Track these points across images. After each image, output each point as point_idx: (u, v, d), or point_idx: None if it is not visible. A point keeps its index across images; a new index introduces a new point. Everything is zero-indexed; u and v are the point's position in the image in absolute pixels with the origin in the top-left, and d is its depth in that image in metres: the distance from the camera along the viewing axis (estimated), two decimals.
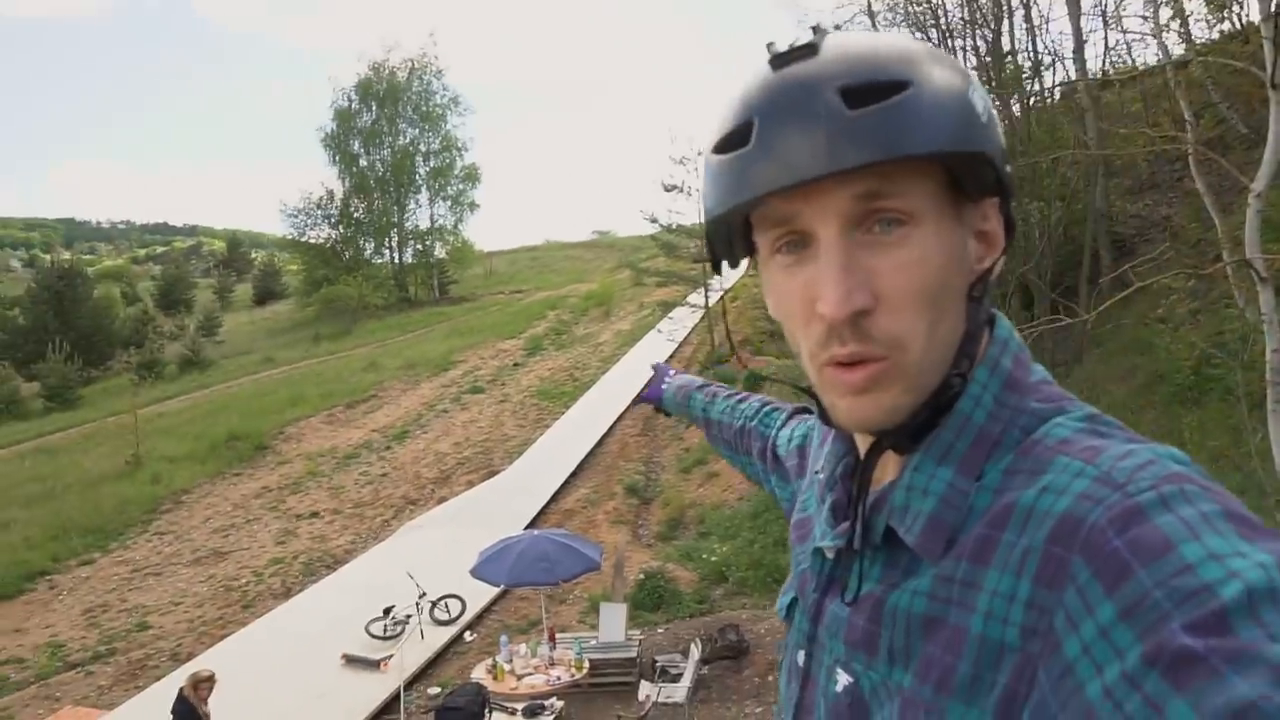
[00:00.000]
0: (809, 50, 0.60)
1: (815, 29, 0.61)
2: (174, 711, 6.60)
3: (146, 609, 12.61)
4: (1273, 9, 6.66)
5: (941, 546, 0.62)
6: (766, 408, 1.21)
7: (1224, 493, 0.52)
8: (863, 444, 0.72)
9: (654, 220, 26.44)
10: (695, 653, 8.62)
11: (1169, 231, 13.52)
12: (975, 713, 0.56)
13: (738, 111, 0.62)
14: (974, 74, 0.64)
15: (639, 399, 1.55)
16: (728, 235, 0.69)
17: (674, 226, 26.86)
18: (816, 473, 0.85)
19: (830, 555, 0.73)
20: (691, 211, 25.48)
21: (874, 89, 0.57)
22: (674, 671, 8.67)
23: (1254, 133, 14.47)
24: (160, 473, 18.82)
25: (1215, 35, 14.96)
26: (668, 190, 25.06)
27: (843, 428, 0.69)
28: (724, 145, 0.62)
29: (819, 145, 0.57)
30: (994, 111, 0.64)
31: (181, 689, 6.68)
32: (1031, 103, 15.32)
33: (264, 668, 9.88)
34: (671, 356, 26.14)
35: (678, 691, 8.00)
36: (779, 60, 0.61)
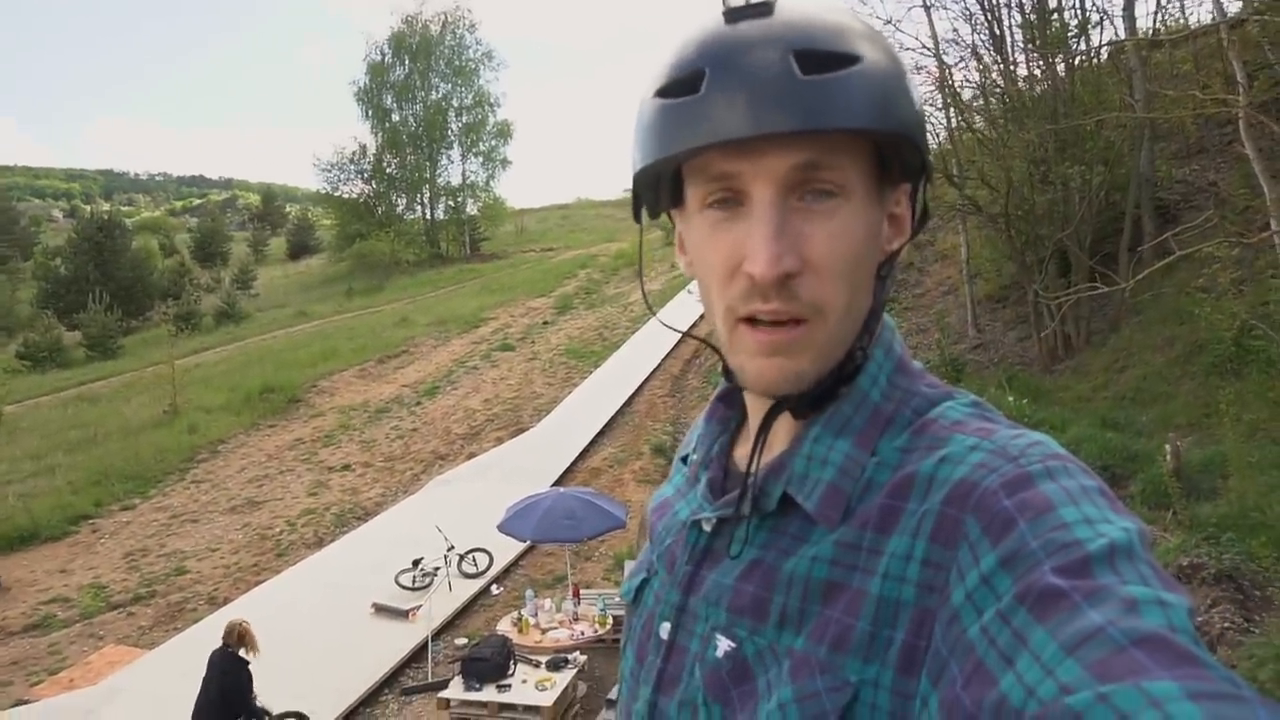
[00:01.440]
0: (764, 8, 0.60)
1: None
2: (222, 671, 6.41)
3: (184, 554, 12.96)
4: None
5: (839, 514, 0.65)
6: None
7: (1098, 476, 0.58)
8: (755, 415, 0.74)
9: None
10: None
11: (1217, 199, 13.13)
12: (874, 668, 0.58)
13: (688, 59, 0.61)
14: (907, 70, 0.65)
15: None
16: (656, 183, 0.69)
17: None
18: (683, 459, 0.88)
19: (708, 527, 0.74)
20: None
21: (828, 57, 0.58)
22: None
23: None
24: (197, 423, 19.22)
25: None
26: None
27: (749, 388, 0.70)
28: (669, 90, 0.62)
29: (769, 104, 0.57)
30: (920, 106, 0.66)
31: (231, 644, 6.51)
32: (1077, 62, 14.84)
33: (297, 614, 10.15)
34: (701, 317, 26.03)
35: None
36: (733, 14, 0.61)
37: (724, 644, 0.68)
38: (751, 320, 0.63)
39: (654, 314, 0.88)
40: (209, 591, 11.68)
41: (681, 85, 0.61)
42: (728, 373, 0.73)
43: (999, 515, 0.54)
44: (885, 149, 0.64)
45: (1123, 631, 0.44)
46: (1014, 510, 0.54)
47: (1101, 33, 15.50)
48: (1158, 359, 11.50)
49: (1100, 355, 12.83)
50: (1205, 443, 8.98)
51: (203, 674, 6.48)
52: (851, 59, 0.59)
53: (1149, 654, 0.43)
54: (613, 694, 4.88)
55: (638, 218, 0.74)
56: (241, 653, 6.52)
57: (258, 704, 6.64)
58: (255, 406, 20.50)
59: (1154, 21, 16.35)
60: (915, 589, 0.57)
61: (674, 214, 0.72)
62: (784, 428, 0.72)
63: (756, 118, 0.57)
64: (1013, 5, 15.79)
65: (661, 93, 0.62)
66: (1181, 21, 15.37)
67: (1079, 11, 15.29)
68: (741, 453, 0.77)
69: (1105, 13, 16.60)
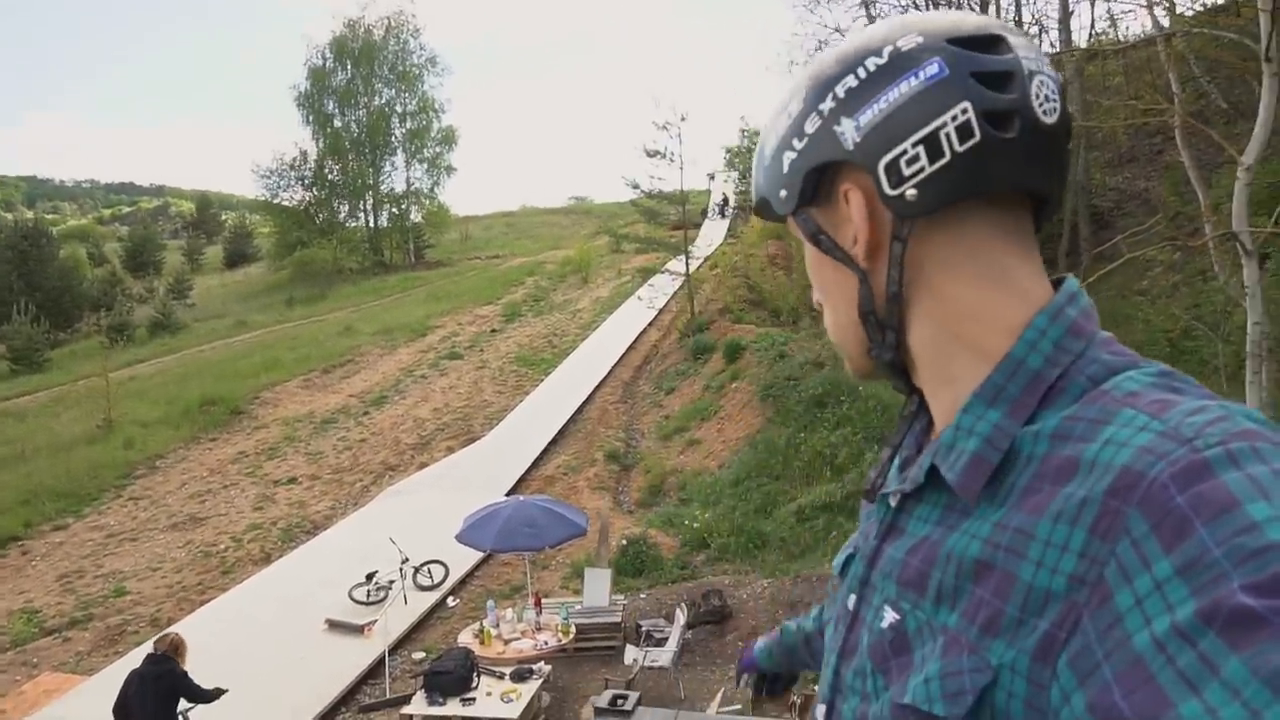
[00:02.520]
0: None
1: None
2: (155, 675, 5.96)
3: (123, 575, 12.48)
4: None
5: (980, 485, 0.64)
6: None
7: None
8: None
9: (635, 186, 26.22)
10: (681, 617, 8.69)
11: (1147, 205, 13.62)
12: (1014, 653, 0.57)
13: None
14: (774, 125, 0.74)
15: (739, 675, 1.50)
16: None
17: (655, 193, 26.67)
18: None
19: (894, 502, 0.75)
20: (673, 178, 25.32)
21: None
22: (659, 636, 8.75)
23: (1233, 108, 14.58)
24: (133, 437, 18.56)
25: (1199, 8, 14.98)
26: (650, 155, 24.85)
27: None
28: None
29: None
30: (801, 112, 0.71)
31: (163, 651, 6.07)
32: None
33: (247, 633, 9.84)
34: (651, 324, 26.15)
35: (663, 655, 8.07)
36: None
37: (890, 615, 0.69)
38: None
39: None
40: (151, 613, 11.26)
41: None
42: None
43: (1172, 514, 0.49)
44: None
45: None
46: (1188, 508, 0.49)
47: (1040, 43, 15.96)
48: None
49: None
50: None
51: (126, 692, 5.91)
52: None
53: None
54: (599, 700, 4.83)
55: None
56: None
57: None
58: (195, 419, 19.89)
59: (1089, 34, 16.94)
60: (1067, 580, 0.55)
61: None
62: (950, 404, 0.72)
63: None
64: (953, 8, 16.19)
65: None
66: (1115, 35, 15.93)
67: (1018, 23, 15.76)
68: (936, 433, 0.77)
69: (1042, 25, 17.14)
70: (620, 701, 4.56)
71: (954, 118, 0.64)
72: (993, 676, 0.58)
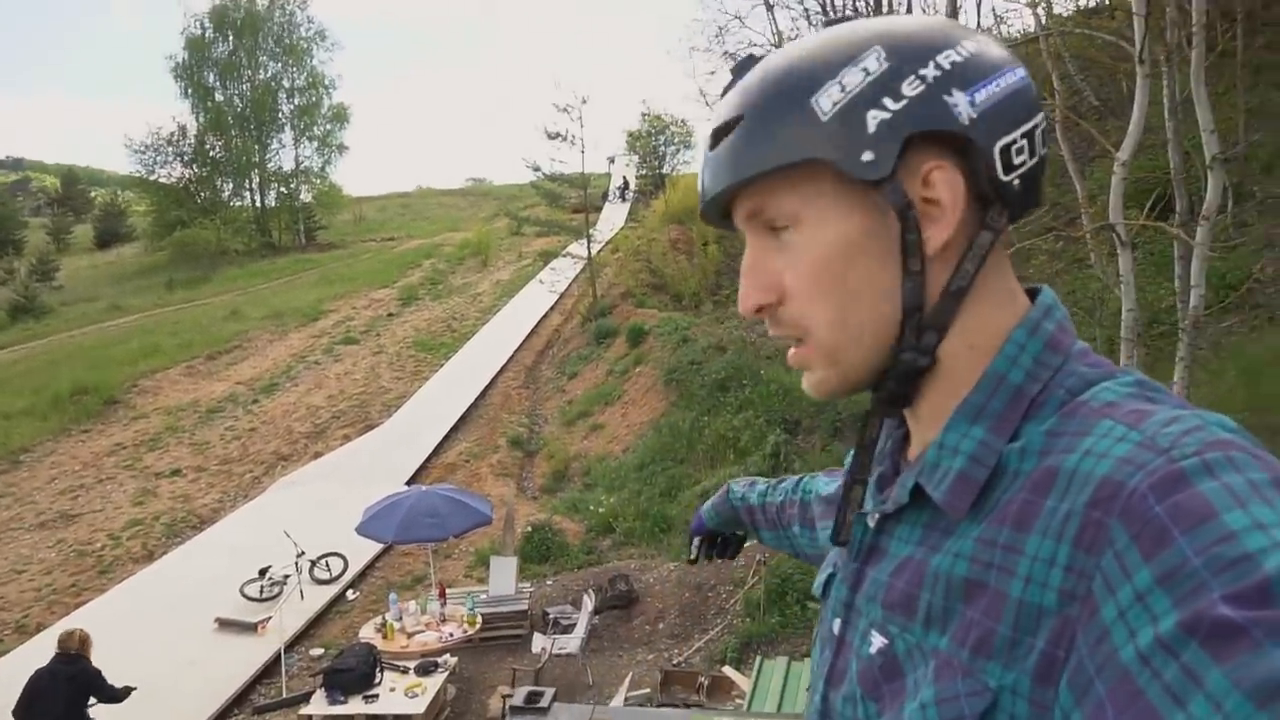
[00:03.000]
0: (730, 85, 0.72)
1: (734, 73, 0.72)
2: (69, 675, 5.79)
3: None
4: None
5: (968, 504, 0.63)
6: (805, 478, 1.21)
7: (1275, 461, 0.52)
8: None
9: (536, 168, 25.93)
10: (588, 603, 8.68)
11: None
12: (1013, 675, 0.56)
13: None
14: (862, 57, 0.64)
15: (690, 539, 1.44)
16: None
17: (556, 175, 26.43)
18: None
19: (873, 523, 0.74)
20: (575, 160, 25.15)
21: (722, 129, 0.69)
22: (566, 622, 8.72)
23: (1104, 104, 15.47)
24: None
25: (1074, 9, 15.81)
26: (550, 138, 24.59)
27: None
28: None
29: (705, 178, 0.71)
30: (873, 91, 0.64)
31: (74, 649, 5.88)
32: None
33: (129, 636, 9.26)
34: (553, 308, 25.96)
35: (571, 642, 8.05)
36: (723, 93, 0.74)
37: (877, 640, 0.68)
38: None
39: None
40: (17, 619, 10.53)
41: None
42: None
43: (1151, 523, 0.50)
44: (831, 166, 0.65)
45: None
46: (1166, 518, 0.49)
47: None
48: None
49: None
50: None
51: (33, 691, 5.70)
52: (733, 123, 0.67)
53: None
54: (515, 699, 4.76)
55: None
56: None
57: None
58: (65, 410, 18.61)
59: (977, 26, 17.68)
60: (1057, 595, 0.54)
61: None
62: (930, 421, 0.70)
63: (705, 187, 0.72)
64: (849, 7, 16.61)
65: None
66: (1000, 31, 16.64)
67: None
68: (913, 451, 0.75)
69: None
70: (536, 699, 4.50)
71: (1037, 124, 0.66)
72: (992, 700, 0.57)
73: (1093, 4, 15.24)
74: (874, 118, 0.64)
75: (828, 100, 0.64)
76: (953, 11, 16.13)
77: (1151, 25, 7.18)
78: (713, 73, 27.64)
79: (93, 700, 5.93)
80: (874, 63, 0.64)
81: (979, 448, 0.64)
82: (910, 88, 0.64)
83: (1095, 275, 8.75)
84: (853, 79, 0.64)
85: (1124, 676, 0.47)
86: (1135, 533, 0.50)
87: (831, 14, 16.48)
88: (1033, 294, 0.70)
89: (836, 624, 0.75)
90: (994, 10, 17.68)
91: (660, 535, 11.18)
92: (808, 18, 17.12)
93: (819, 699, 0.77)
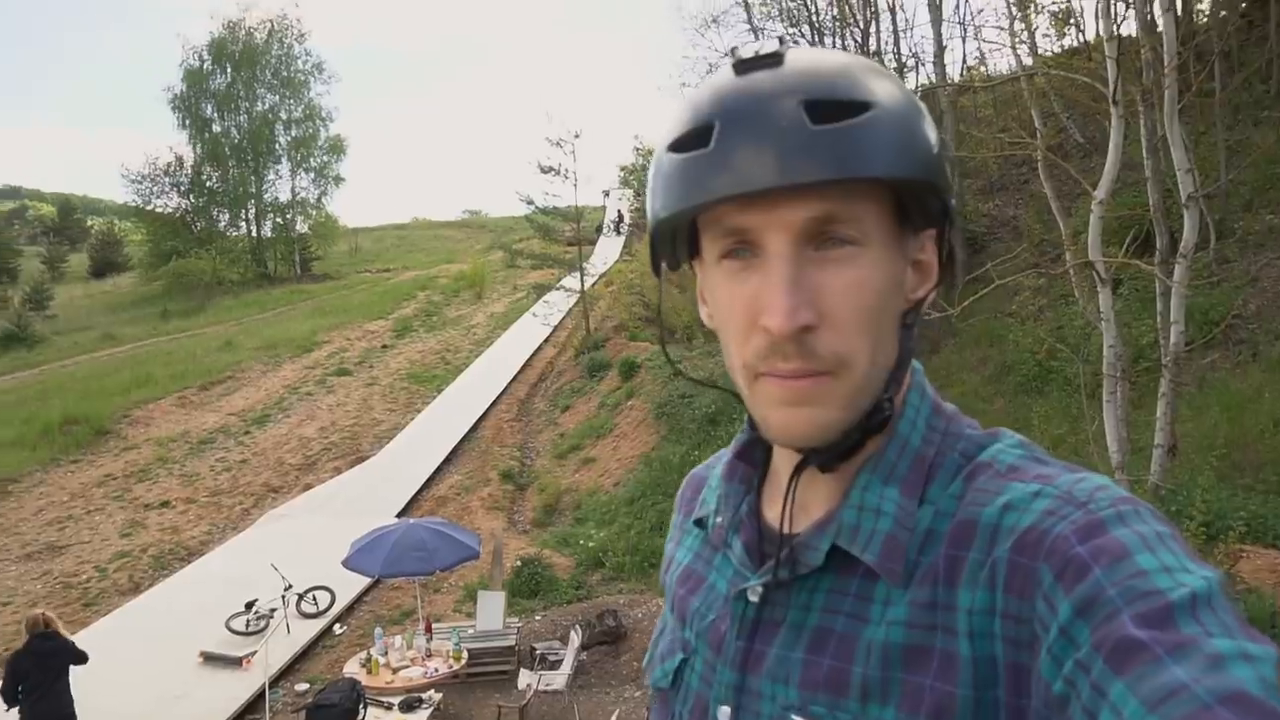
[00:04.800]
0: (774, 59, 0.60)
1: (781, 40, 0.61)
2: (53, 651, 6.39)
3: None
4: (1115, 31, 7.22)
5: (901, 566, 0.62)
6: None
7: (1165, 518, 0.57)
8: (784, 470, 0.71)
9: (529, 202, 26.18)
10: (575, 639, 8.64)
11: (1016, 231, 14.52)
12: None
13: (699, 113, 0.61)
14: (927, 116, 0.63)
15: None
16: (673, 236, 0.68)
17: (550, 209, 26.66)
18: (697, 522, 0.83)
19: (755, 597, 0.70)
20: (568, 194, 25.41)
21: (838, 106, 0.57)
22: (553, 659, 8.68)
23: (1089, 142, 15.73)
24: None
25: (1059, 48, 16.13)
26: (544, 172, 24.86)
27: (774, 440, 0.68)
28: (681, 145, 0.61)
29: (778, 156, 0.56)
30: (943, 144, 0.66)
31: (50, 627, 6.46)
32: None
33: (113, 670, 9.12)
34: (546, 341, 26.04)
35: (557, 679, 8.00)
36: (743, 66, 0.60)
37: None
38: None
39: (674, 366, 0.91)
40: (0, 653, 10.40)
41: (693, 139, 0.60)
42: (753, 424, 0.70)
43: (1072, 562, 0.53)
44: (905, 196, 0.62)
45: (1208, 689, 0.43)
46: (1088, 557, 0.53)
47: (916, 76, 16.84)
48: (974, 378, 12.54)
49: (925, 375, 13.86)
50: None
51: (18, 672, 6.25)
52: (863, 106, 0.58)
53: (1235, 713, 0.42)
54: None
55: (656, 270, 0.73)
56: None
57: None
58: (55, 440, 18.54)
59: (962, 69, 17.97)
60: (1005, 644, 0.56)
61: (694, 265, 0.70)
62: (823, 485, 0.69)
63: (767, 170, 0.56)
64: (837, 46, 16.90)
65: (674, 146, 0.62)
66: (984, 70, 16.97)
67: (896, 56, 16.58)
68: (773, 513, 0.72)
69: (919, 58, 18.05)
70: None
71: None
72: None
73: (1077, 43, 15.54)
74: (947, 168, 0.65)
75: (932, 133, 0.63)
76: (940, 50, 16.44)
77: (1126, 66, 7.36)
78: None
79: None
80: (929, 119, 0.64)
81: (899, 510, 0.64)
82: (947, 158, 0.68)
83: (1079, 312, 8.86)
84: (932, 124, 0.64)
85: (1061, 707, 0.50)
86: (1059, 571, 0.53)
87: (813, 26, 16.78)
88: None
89: (725, 712, 0.70)
90: (979, 48, 17.98)
91: (650, 570, 11.14)
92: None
93: None
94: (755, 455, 0.78)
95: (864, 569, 0.64)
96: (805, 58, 0.60)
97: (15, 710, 6.27)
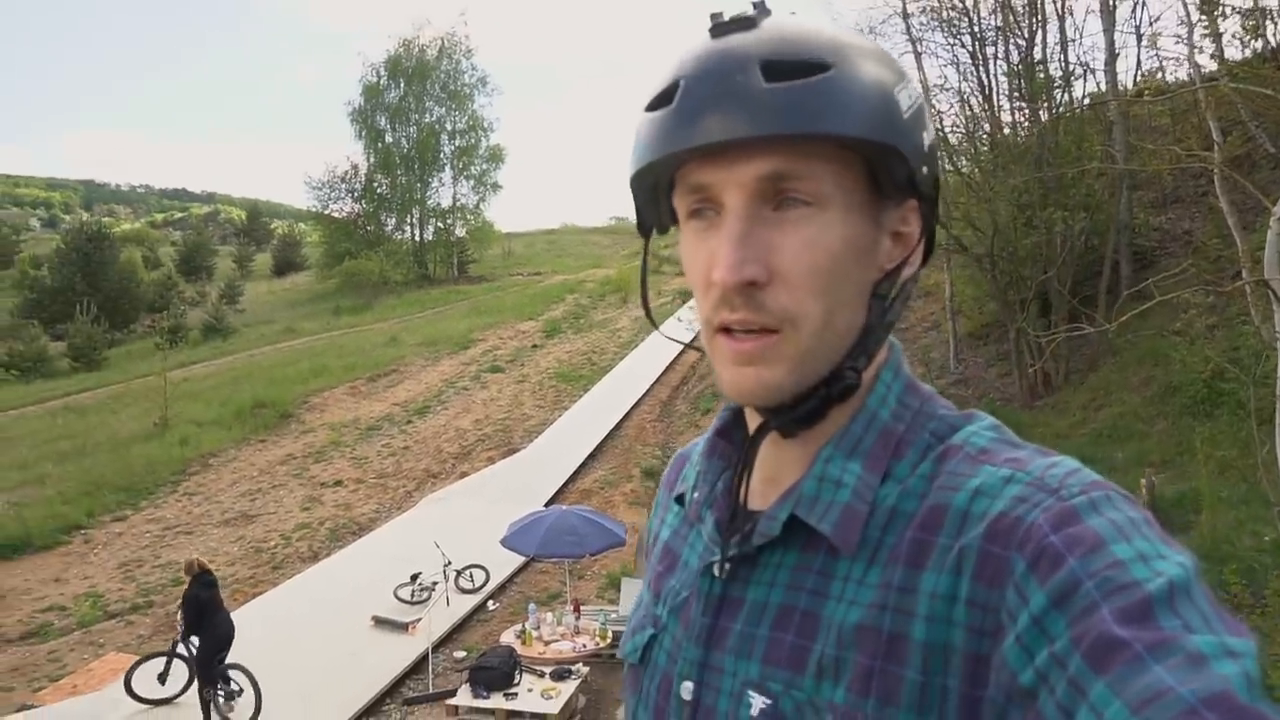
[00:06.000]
0: (747, 23, 0.62)
1: (757, 5, 0.64)
2: (211, 582, 8.19)
3: (179, 565, 13.00)
4: None
5: (857, 537, 0.63)
6: None
7: (1138, 503, 0.57)
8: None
9: None
10: None
11: (1190, 246, 13.76)
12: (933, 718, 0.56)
13: (668, 73, 0.63)
14: (911, 76, 0.66)
15: None
16: (655, 198, 0.70)
17: None
18: (677, 499, 0.84)
19: (720, 573, 0.70)
20: None
21: (794, 66, 0.59)
22: None
23: None
24: (188, 436, 19.29)
25: (1249, 53, 15.12)
26: None
27: (726, 397, 0.69)
28: (652, 104, 0.64)
29: (730, 112, 0.58)
30: (925, 116, 0.66)
31: (204, 569, 8.16)
32: (1060, 112, 15.52)
33: (297, 626, 10.31)
34: (689, 345, 26.44)
35: None
36: (717, 29, 0.63)
37: (758, 700, 0.63)
38: (728, 330, 0.63)
39: (656, 326, 0.89)
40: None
41: (662, 98, 0.63)
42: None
43: (1046, 551, 0.53)
44: (874, 161, 0.63)
45: (1192, 691, 0.43)
46: (1062, 546, 0.52)
47: (1084, 85, 16.22)
48: (1134, 398, 12.01)
49: (1079, 393, 13.34)
50: (1178, 479, 9.44)
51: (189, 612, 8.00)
52: (821, 67, 0.59)
53: (1220, 716, 0.42)
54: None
55: (643, 232, 0.75)
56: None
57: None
58: (246, 421, 20.60)
59: (1134, 77, 17.12)
60: (964, 632, 0.55)
61: (679, 227, 0.71)
62: (793, 460, 0.69)
63: (716, 125, 0.59)
64: (999, 56, 16.51)
65: (648, 106, 0.64)
66: (1160, 77, 16.12)
67: (1063, 64, 16.02)
68: (769, 487, 0.71)
69: (1087, 66, 17.34)
70: None
71: None
72: None
73: (1265, 48, 14.54)
74: (926, 138, 0.65)
75: (906, 100, 0.63)
76: (1111, 58, 15.75)
77: None
78: None
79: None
80: (916, 90, 0.66)
81: (859, 483, 0.64)
82: (931, 129, 0.67)
83: (1253, 332, 8.45)
84: (913, 94, 0.65)
85: (1028, 700, 0.50)
86: (1032, 561, 0.53)
87: (979, 64, 16.43)
88: None
89: (688, 688, 0.69)
90: (1156, 54, 17.07)
91: None
92: (957, 67, 17.10)
93: None
94: (736, 435, 0.78)
95: (827, 545, 0.64)
96: (778, 23, 0.62)
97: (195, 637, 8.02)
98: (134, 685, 8.24)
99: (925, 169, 0.64)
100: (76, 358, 31.75)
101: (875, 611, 0.59)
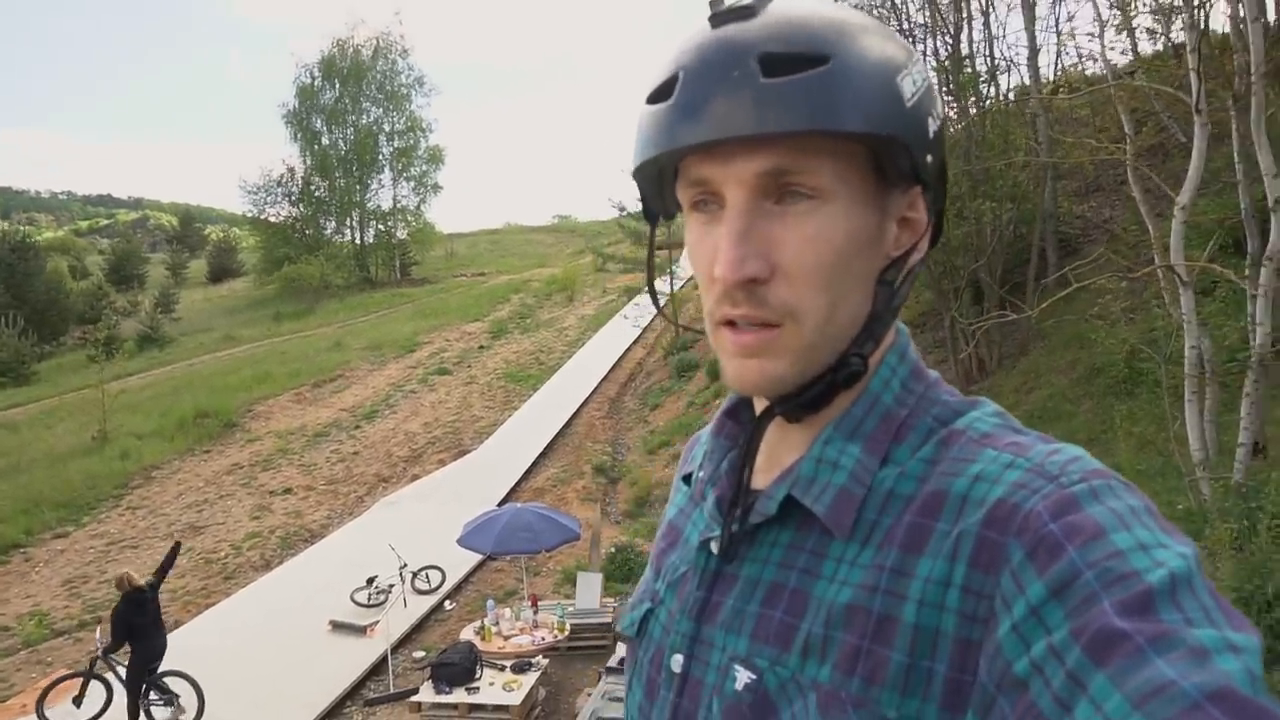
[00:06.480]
0: (747, 12, 0.60)
1: None
2: (146, 599, 8.03)
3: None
4: (1197, 44, 7.41)
5: (851, 519, 0.62)
6: None
7: (1139, 491, 0.56)
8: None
9: (621, 208, 26.94)
10: None
11: (1109, 234, 14.46)
12: (914, 703, 0.55)
13: (668, 64, 0.62)
14: (918, 55, 0.64)
15: None
16: (659, 187, 0.70)
17: (640, 213, 27.32)
18: (685, 478, 0.85)
19: (716, 549, 0.70)
20: None
21: (793, 59, 0.57)
22: None
23: (1190, 143, 15.44)
24: (129, 448, 18.89)
25: (1159, 47, 15.91)
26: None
27: (732, 388, 0.70)
28: (652, 97, 0.62)
29: (728, 109, 0.57)
30: (931, 99, 0.64)
31: (135, 587, 7.97)
32: (987, 106, 16.10)
33: (252, 634, 10.29)
34: (635, 342, 26.79)
35: None
36: (716, 19, 0.61)
37: (743, 675, 0.64)
38: (731, 323, 0.63)
39: (659, 309, 0.87)
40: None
41: (661, 91, 0.62)
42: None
43: (1045, 540, 0.52)
44: (878, 150, 0.61)
45: (1195, 685, 0.42)
46: (1061, 535, 0.51)
47: (1009, 79, 16.84)
48: (1062, 380, 12.60)
49: (1011, 377, 13.93)
50: (1103, 455, 9.84)
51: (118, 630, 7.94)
52: (820, 60, 0.57)
53: (1224, 711, 0.42)
54: (612, 661, 5.34)
55: (649, 218, 0.75)
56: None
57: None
58: (189, 432, 20.25)
59: (1054, 71, 17.84)
60: (956, 618, 0.55)
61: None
62: (796, 441, 0.69)
63: (715, 123, 0.57)
64: (927, 52, 17.03)
65: (649, 98, 0.63)
66: (1080, 71, 16.82)
67: (989, 59, 16.63)
68: (770, 468, 0.72)
69: (1012, 61, 18.00)
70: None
71: None
72: None
73: (1168, 47, 15.34)
74: (932, 124, 0.64)
75: (909, 87, 0.61)
76: (1033, 53, 16.42)
77: (1217, 70, 7.52)
78: None
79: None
80: (922, 72, 0.64)
81: (857, 466, 0.64)
82: (938, 114, 0.65)
83: (1162, 315, 8.99)
84: (918, 78, 0.63)
85: (1020, 688, 0.49)
86: (1030, 549, 0.52)
87: (903, 33, 16.89)
88: None
89: (678, 660, 0.70)
90: (1075, 48, 17.80)
91: None
92: None
93: None
94: (743, 415, 0.78)
95: (821, 526, 0.64)
96: (779, 10, 0.60)
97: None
98: (46, 713, 8.13)
99: (930, 157, 0.64)
100: (4, 373, 30.71)
101: (866, 592, 0.59)
